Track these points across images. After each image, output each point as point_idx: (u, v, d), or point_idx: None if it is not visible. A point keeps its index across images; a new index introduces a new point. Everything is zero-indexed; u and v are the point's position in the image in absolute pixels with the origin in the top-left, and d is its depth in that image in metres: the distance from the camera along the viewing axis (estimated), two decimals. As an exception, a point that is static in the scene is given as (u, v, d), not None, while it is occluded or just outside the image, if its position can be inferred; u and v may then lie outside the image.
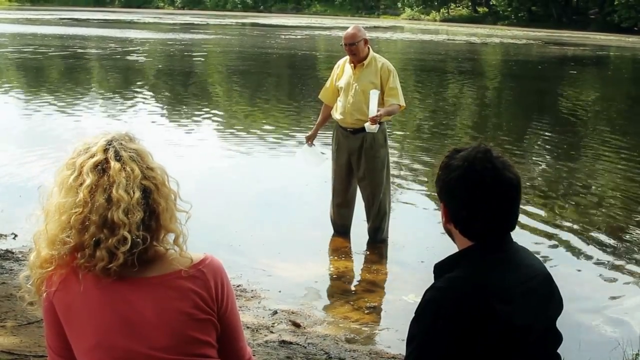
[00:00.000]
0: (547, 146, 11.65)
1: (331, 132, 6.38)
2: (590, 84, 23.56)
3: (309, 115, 12.79)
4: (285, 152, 10.00)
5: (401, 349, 4.24)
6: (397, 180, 8.34)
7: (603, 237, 6.69)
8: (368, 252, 6.15)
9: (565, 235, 6.70)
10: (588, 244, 6.48)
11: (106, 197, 1.69)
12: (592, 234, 6.78)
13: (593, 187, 8.78)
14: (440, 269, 1.89)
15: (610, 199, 8.18)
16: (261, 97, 17.04)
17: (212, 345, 1.80)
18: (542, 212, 7.47)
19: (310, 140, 6.37)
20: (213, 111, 14.16)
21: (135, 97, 15.75)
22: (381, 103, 5.90)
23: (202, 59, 26.17)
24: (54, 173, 1.78)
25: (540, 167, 9.92)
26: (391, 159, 6.51)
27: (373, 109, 5.69)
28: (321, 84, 6.39)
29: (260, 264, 5.71)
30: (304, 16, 70.16)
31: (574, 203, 7.99)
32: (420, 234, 6.69)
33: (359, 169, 6.09)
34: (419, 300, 1.83)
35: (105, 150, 1.74)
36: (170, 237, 1.78)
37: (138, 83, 18.71)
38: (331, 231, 6.39)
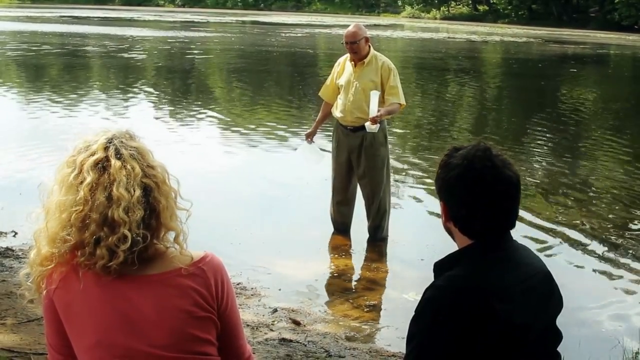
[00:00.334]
0: (546, 144, 11.64)
1: (331, 130, 6.38)
2: (590, 82, 23.55)
3: (309, 113, 12.79)
4: (286, 150, 10.00)
5: (401, 347, 4.24)
6: (397, 178, 8.34)
7: (603, 235, 6.69)
8: (368, 250, 6.15)
9: (565, 234, 6.70)
10: (588, 242, 6.48)
11: (106, 195, 1.69)
12: (592, 232, 6.78)
13: (593, 185, 8.78)
14: (440, 267, 1.89)
15: (610, 196, 8.18)
16: (261, 95, 17.04)
17: (212, 343, 1.80)
18: (541, 210, 7.46)
19: (310, 137, 6.37)
20: (213, 109, 14.16)
21: (136, 94, 15.75)
22: (381, 102, 5.90)
23: (203, 57, 26.15)
24: (54, 170, 1.78)
25: (539, 165, 9.92)
26: (391, 157, 6.51)
27: (373, 109, 5.69)
28: (321, 82, 6.39)
29: (261, 261, 5.71)
30: (304, 14, 70.08)
31: (573, 201, 7.99)
32: (420, 232, 6.70)
33: (359, 167, 6.09)
34: (419, 298, 1.83)
35: (106, 148, 1.74)
36: (171, 235, 1.78)
37: (138, 81, 18.69)
38: (331, 229, 6.39)
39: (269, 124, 12.60)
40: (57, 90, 16.30)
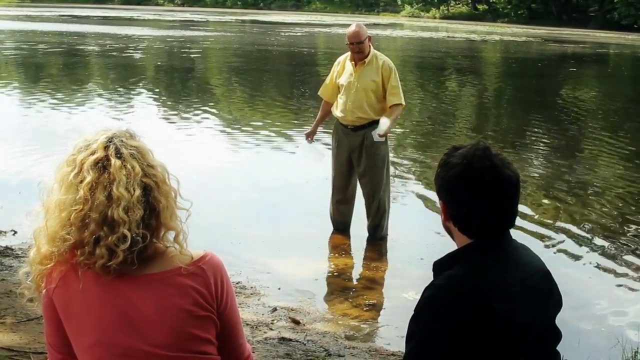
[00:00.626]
0: (546, 143, 11.64)
1: (330, 129, 6.38)
2: (589, 81, 23.55)
3: (309, 112, 12.78)
4: (286, 149, 10.00)
5: (401, 346, 4.25)
6: (397, 178, 8.34)
7: (602, 235, 6.69)
8: (367, 249, 6.15)
9: (564, 233, 6.70)
10: (587, 242, 6.49)
11: (106, 195, 1.69)
12: (591, 231, 6.78)
13: (592, 184, 8.78)
14: (440, 266, 1.89)
15: (609, 195, 8.18)
16: (261, 94, 17.03)
17: (211, 342, 1.80)
18: (540, 209, 7.47)
19: (310, 136, 6.37)
20: (213, 108, 14.16)
21: (135, 94, 15.75)
22: (382, 100, 5.94)
23: (202, 56, 26.15)
24: (54, 169, 1.78)
25: (539, 165, 9.92)
26: (391, 156, 6.52)
27: (383, 127, 5.70)
28: (321, 81, 6.39)
29: (260, 261, 5.71)
30: (303, 13, 70.08)
31: (572, 199, 7.99)
32: (419, 231, 6.70)
33: (360, 166, 6.09)
34: (418, 297, 1.83)
35: (106, 148, 1.74)
36: (171, 234, 1.78)
37: (138, 80, 18.70)
38: (331, 228, 6.39)
39: (268, 123, 12.59)
40: (56, 88, 16.30)
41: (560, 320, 1.95)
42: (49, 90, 15.72)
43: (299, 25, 47.77)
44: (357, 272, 5.73)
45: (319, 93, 6.40)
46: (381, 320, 4.84)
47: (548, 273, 1.94)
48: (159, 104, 14.80)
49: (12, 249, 5.58)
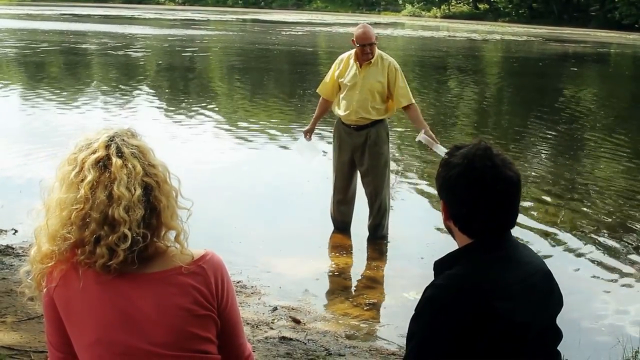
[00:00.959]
0: (547, 143, 11.64)
1: (326, 126, 6.37)
2: (590, 81, 23.54)
3: (311, 111, 12.75)
4: (286, 148, 10.00)
5: (401, 346, 4.25)
6: (398, 177, 8.34)
7: (603, 234, 6.69)
8: (368, 249, 6.15)
9: (565, 232, 6.70)
10: (588, 241, 6.48)
11: (107, 194, 1.69)
12: (592, 231, 6.78)
13: (593, 183, 8.78)
14: (440, 266, 1.90)
15: (610, 195, 8.18)
16: (262, 93, 17.03)
17: (212, 341, 1.81)
18: (542, 209, 7.47)
19: (309, 134, 6.34)
20: (214, 107, 14.16)
21: (136, 92, 15.74)
22: (385, 101, 5.97)
23: (203, 55, 26.14)
24: (55, 168, 1.78)
25: (540, 164, 9.92)
26: (391, 155, 6.52)
27: (425, 134, 5.71)
28: (322, 80, 6.37)
29: (261, 260, 5.72)
30: (304, 12, 70.04)
31: (573, 199, 7.99)
32: (420, 231, 6.70)
33: (362, 165, 6.08)
34: (419, 297, 1.83)
35: (107, 147, 1.74)
36: (172, 234, 1.78)
37: (139, 79, 18.69)
38: (331, 228, 6.39)
39: (268, 121, 12.60)
40: (57, 87, 16.30)
41: (561, 319, 1.95)
42: (50, 89, 15.72)
43: (300, 24, 47.73)
44: (357, 271, 5.73)
45: (317, 90, 6.38)
46: (382, 320, 4.84)
47: (549, 273, 1.94)
48: (160, 102, 14.80)
49: (13, 248, 5.58)
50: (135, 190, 1.70)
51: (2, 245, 5.63)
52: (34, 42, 27.19)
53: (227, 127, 11.95)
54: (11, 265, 5.17)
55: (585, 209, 7.56)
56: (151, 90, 16.35)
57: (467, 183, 1.82)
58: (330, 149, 6.72)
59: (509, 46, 36.42)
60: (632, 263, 6.01)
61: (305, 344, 4.27)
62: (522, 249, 1.93)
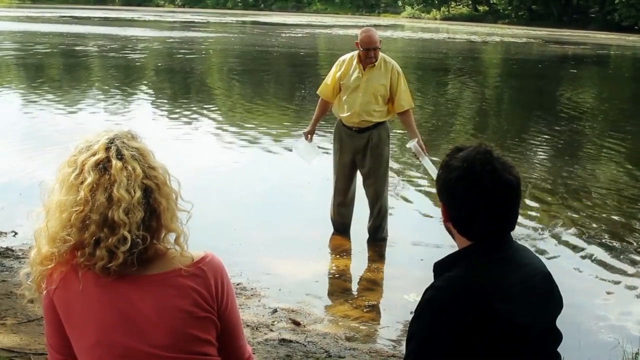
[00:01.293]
0: (547, 145, 11.64)
1: (326, 128, 6.37)
2: (590, 82, 23.55)
3: (311, 114, 12.75)
4: (286, 150, 9.99)
5: (401, 348, 4.25)
6: (398, 178, 8.34)
7: (603, 236, 6.69)
8: (368, 251, 6.15)
9: (564, 234, 6.69)
10: (587, 243, 6.48)
11: (107, 196, 1.69)
12: (592, 232, 6.78)
13: (593, 185, 8.77)
14: (440, 267, 1.90)
15: (609, 196, 8.18)
16: (262, 95, 17.03)
17: (212, 343, 1.81)
18: (541, 211, 7.47)
19: (309, 135, 6.33)
20: (214, 109, 14.17)
21: (136, 95, 15.75)
22: (387, 103, 5.99)
23: (203, 57, 26.15)
24: (55, 170, 1.78)
25: (539, 166, 9.92)
26: (392, 156, 6.52)
27: (415, 142, 5.75)
28: (322, 82, 6.36)
29: (261, 262, 5.72)
30: (304, 14, 70.09)
31: (573, 201, 7.99)
32: (420, 232, 6.69)
33: (364, 168, 6.08)
34: (419, 298, 1.83)
35: (107, 149, 1.74)
36: (171, 236, 1.78)
37: (139, 81, 18.71)
38: (331, 230, 6.39)
39: (269, 124, 12.60)
40: (57, 90, 16.30)
41: (561, 320, 1.95)
42: (50, 91, 15.73)
43: (300, 27, 47.74)
44: (357, 273, 5.73)
45: (318, 92, 6.35)
46: (382, 322, 4.84)
47: (549, 274, 1.94)
48: (160, 104, 14.80)
49: (13, 250, 5.58)
50: (135, 192, 1.70)
51: (2, 248, 5.63)
52: (34, 44, 27.20)
53: (227, 128, 11.94)
54: (11, 268, 5.17)
55: (585, 210, 7.56)
56: (151, 92, 16.36)
57: (466, 186, 1.83)
58: (330, 149, 6.71)
59: (509, 48, 36.44)
60: (633, 264, 6.01)
61: (305, 346, 4.27)
62: (522, 251, 1.94)
